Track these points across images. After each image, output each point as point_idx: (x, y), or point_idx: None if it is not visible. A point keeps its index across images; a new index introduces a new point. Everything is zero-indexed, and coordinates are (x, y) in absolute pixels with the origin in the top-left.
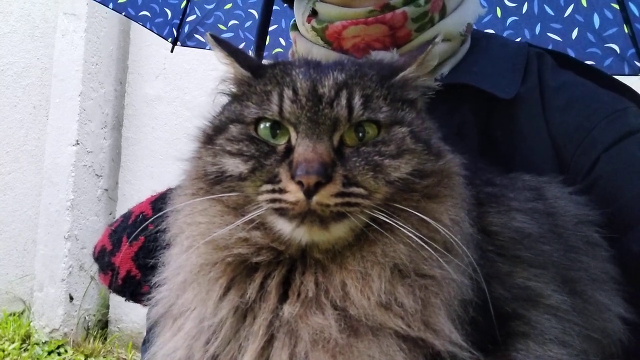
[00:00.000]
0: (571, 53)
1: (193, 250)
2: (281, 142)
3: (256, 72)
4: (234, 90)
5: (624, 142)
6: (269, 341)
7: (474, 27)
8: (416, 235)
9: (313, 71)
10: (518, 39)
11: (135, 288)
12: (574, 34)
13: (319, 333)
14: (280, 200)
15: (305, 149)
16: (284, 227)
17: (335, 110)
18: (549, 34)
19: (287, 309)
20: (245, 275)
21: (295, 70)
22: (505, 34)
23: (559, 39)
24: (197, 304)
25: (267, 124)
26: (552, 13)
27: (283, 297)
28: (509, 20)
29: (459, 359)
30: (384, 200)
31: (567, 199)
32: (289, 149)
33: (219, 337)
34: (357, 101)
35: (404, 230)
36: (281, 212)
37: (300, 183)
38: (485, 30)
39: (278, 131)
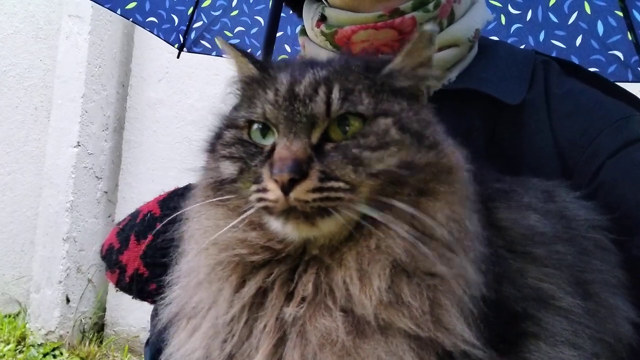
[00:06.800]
0: (575, 60)
1: (201, 252)
2: (269, 143)
3: (263, 71)
4: (242, 91)
5: (628, 149)
6: (281, 339)
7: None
8: (407, 231)
9: (298, 72)
10: (522, 46)
11: (142, 286)
12: (578, 41)
13: (326, 335)
14: (264, 199)
15: (281, 148)
16: (275, 224)
17: (309, 107)
18: (553, 41)
19: (291, 308)
20: (253, 275)
21: (281, 72)
22: (509, 41)
23: (563, 46)
24: (210, 303)
25: (258, 126)
26: (556, 20)
27: (290, 296)
28: (513, 27)
29: (471, 357)
30: (370, 194)
31: (576, 202)
32: (273, 149)
33: (234, 337)
34: (335, 95)
35: (393, 226)
36: (268, 211)
37: (277, 181)
38: (490, 38)
39: (267, 132)
